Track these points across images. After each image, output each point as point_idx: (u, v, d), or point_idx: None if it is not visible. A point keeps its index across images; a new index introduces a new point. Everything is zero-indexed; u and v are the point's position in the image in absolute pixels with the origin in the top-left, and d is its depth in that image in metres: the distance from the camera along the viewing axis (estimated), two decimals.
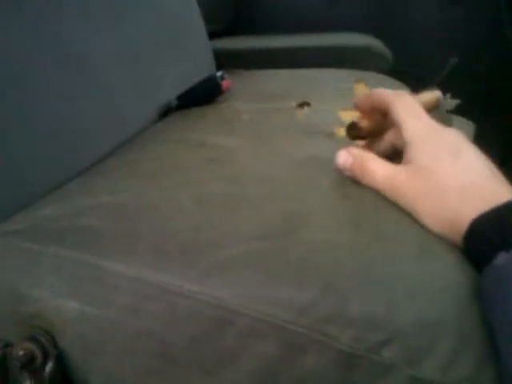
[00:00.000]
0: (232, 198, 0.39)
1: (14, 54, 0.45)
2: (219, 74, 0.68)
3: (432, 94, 0.44)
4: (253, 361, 0.28)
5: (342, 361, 0.27)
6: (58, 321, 0.32)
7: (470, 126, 0.62)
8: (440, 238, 0.33)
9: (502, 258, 0.27)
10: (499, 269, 0.27)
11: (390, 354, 0.27)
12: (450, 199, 0.32)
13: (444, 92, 0.47)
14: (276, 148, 0.48)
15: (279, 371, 0.28)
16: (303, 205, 0.37)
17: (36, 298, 0.33)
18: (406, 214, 0.34)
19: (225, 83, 0.67)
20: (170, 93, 0.70)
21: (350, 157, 0.39)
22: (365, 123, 0.41)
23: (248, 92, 0.71)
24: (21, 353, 0.31)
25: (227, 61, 0.93)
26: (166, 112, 0.69)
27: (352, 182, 0.39)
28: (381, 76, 0.82)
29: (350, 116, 0.49)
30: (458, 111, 0.57)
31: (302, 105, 0.61)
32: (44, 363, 0.31)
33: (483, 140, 0.46)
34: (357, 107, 0.43)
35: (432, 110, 0.42)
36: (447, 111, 0.56)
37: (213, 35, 0.95)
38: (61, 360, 0.32)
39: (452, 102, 0.56)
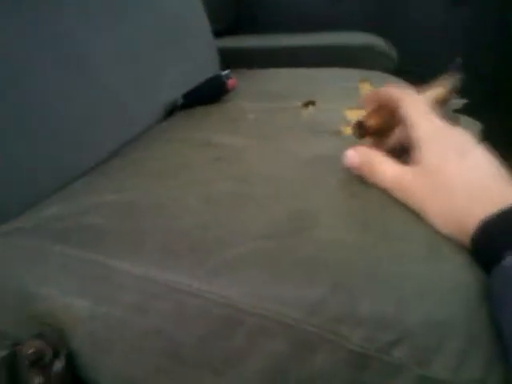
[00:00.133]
0: (239, 197, 0.39)
1: (14, 54, 0.45)
2: (225, 73, 0.68)
3: (442, 87, 0.44)
4: (262, 360, 0.28)
5: (352, 361, 0.27)
6: (66, 319, 0.32)
7: (477, 125, 0.62)
8: (448, 238, 0.33)
9: (510, 259, 0.28)
10: (508, 270, 0.28)
11: (399, 354, 0.27)
12: (458, 200, 0.32)
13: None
14: (282, 147, 0.48)
15: (288, 370, 0.28)
16: (310, 204, 0.37)
17: (44, 295, 0.33)
18: (414, 214, 0.34)
19: (230, 82, 0.67)
20: (173, 92, 0.70)
21: (357, 156, 0.39)
22: (372, 121, 0.41)
23: (253, 91, 0.70)
24: (30, 350, 0.31)
25: (230, 60, 0.93)
26: (171, 111, 0.69)
27: (359, 181, 0.39)
28: (386, 75, 0.82)
29: (356, 115, 0.49)
30: (465, 111, 0.57)
31: (307, 104, 0.61)
32: (53, 361, 0.31)
33: (489, 140, 0.45)
34: (364, 104, 0.43)
35: (444, 102, 0.42)
36: (454, 111, 0.56)
37: (215, 34, 0.95)
38: (70, 358, 0.32)
39: (459, 102, 0.56)
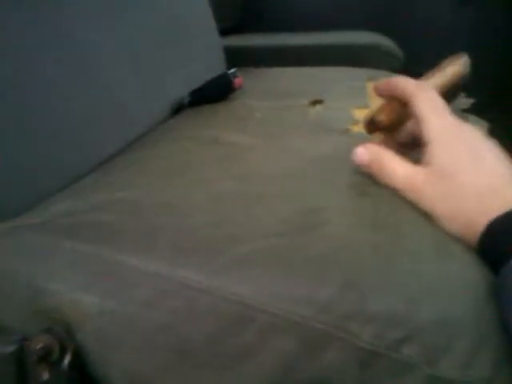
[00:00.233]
0: (247, 196, 0.39)
1: (14, 54, 0.45)
2: (231, 71, 0.68)
3: (456, 63, 0.43)
4: (272, 357, 0.28)
5: (361, 358, 0.27)
6: (75, 314, 0.32)
7: (483, 125, 0.62)
8: (457, 238, 0.33)
9: None
10: None
11: (409, 351, 0.27)
12: (469, 202, 0.32)
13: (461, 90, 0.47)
14: (290, 145, 0.48)
15: (298, 367, 0.28)
16: (320, 202, 0.37)
17: (53, 291, 0.33)
18: (424, 214, 0.34)
19: (237, 81, 0.67)
20: (179, 91, 0.70)
21: (367, 153, 0.38)
22: (383, 116, 0.40)
23: (260, 90, 0.70)
24: (38, 346, 0.31)
25: (236, 59, 0.93)
26: (178, 109, 0.69)
27: (369, 179, 0.38)
28: (392, 75, 0.82)
29: (364, 114, 0.49)
30: (472, 110, 0.57)
31: (314, 103, 0.61)
32: (61, 357, 0.31)
33: (496, 139, 0.45)
34: (377, 92, 0.42)
35: (459, 79, 0.42)
36: (462, 110, 0.56)
37: (220, 33, 0.95)
38: (78, 353, 0.32)
39: (466, 102, 0.56)
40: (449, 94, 0.42)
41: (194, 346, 0.30)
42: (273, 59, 1.00)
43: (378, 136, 0.43)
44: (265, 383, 0.29)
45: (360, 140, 0.43)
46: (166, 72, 0.70)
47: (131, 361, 0.31)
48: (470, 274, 0.30)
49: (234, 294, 0.29)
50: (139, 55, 0.65)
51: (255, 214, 0.36)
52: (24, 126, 0.45)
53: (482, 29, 1.34)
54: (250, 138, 0.51)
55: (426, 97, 0.37)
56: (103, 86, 0.56)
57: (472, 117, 0.58)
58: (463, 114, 0.56)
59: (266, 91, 0.69)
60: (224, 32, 0.99)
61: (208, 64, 0.84)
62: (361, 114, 0.53)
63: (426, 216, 0.34)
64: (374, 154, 0.38)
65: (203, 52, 0.84)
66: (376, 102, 0.43)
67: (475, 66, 0.45)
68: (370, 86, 0.69)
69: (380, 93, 0.42)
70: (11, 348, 0.32)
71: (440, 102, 0.37)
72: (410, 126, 0.41)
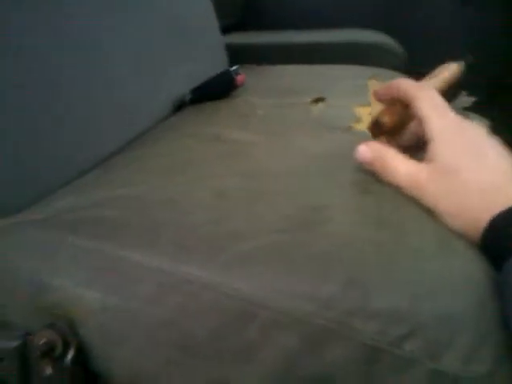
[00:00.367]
0: (249, 193, 0.39)
1: (14, 54, 0.45)
2: (234, 68, 0.68)
3: (450, 69, 0.44)
4: (274, 353, 0.28)
5: (364, 354, 0.27)
6: (78, 310, 0.32)
7: (484, 123, 0.62)
8: (459, 234, 0.33)
9: None
10: None
11: (411, 347, 0.27)
12: (472, 198, 0.32)
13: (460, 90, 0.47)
14: (293, 143, 0.48)
15: (301, 364, 0.28)
16: (323, 199, 0.37)
17: (56, 286, 0.33)
18: (426, 210, 0.34)
19: (239, 78, 0.67)
20: (181, 88, 0.70)
21: (369, 151, 0.39)
22: (386, 118, 0.40)
23: (262, 87, 0.71)
24: (41, 341, 0.31)
25: (238, 56, 0.93)
26: (179, 106, 0.69)
27: (371, 177, 0.38)
28: (395, 73, 0.82)
29: (366, 112, 0.49)
30: (474, 109, 0.57)
31: (316, 100, 0.61)
32: (64, 352, 0.31)
33: (497, 137, 0.46)
34: (376, 97, 0.42)
35: (455, 82, 0.42)
36: (463, 109, 0.56)
37: (222, 30, 0.95)
38: (81, 349, 0.32)
39: (467, 100, 0.56)
40: (449, 94, 0.43)
41: (197, 341, 0.30)
42: (275, 57, 1.00)
43: (382, 139, 0.43)
44: (267, 379, 0.29)
45: (362, 138, 0.43)
46: (167, 69, 0.70)
47: (134, 356, 0.32)
48: (472, 270, 0.31)
49: (236, 290, 0.29)
50: (140, 53, 0.65)
51: (258, 211, 0.36)
52: (25, 124, 0.44)
53: (482, 28, 1.34)
54: (253, 135, 0.51)
55: (426, 96, 0.38)
56: (104, 83, 0.56)
57: (473, 115, 0.58)
58: (464, 112, 0.56)
59: (268, 89, 0.69)
60: (225, 29, 0.99)
61: (210, 61, 0.84)
62: (363, 112, 0.53)
63: (429, 213, 0.34)
64: (376, 152, 0.38)
65: (205, 49, 0.84)
66: (377, 102, 0.44)
67: (476, 65, 0.45)
68: (372, 83, 0.69)
69: (380, 98, 0.42)
70: (15, 343, 0.32)
71: (441, 101, 0.37)
72: (413, 127, 0.41)
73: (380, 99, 0.42)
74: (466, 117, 0.37)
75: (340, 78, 0.73)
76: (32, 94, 0.46)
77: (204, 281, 0.30)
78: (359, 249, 0.31)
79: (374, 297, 0.28)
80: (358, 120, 0.50)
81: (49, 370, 0.32)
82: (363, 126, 0.46)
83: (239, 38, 1.07)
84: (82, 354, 0.32)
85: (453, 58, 0.46)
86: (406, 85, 0.40)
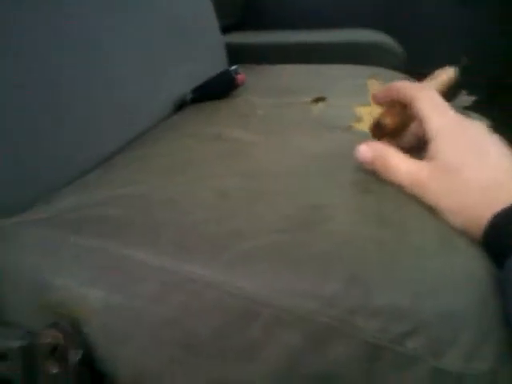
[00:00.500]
0: (250, 192, 0.39)
1: (15, 54, 0.45)
2: (234, 68, 0.68)
3: (447, 72, 0.44)
4: (277, 351, 0.29)
5: (366, 352, 0.27)
6: (81, 309, 0.32)
7: (484, 122, 0.62)
8: (461, 232, 0.33)
9: None
10: None
11: (414, 345, 0.27)
12: (473, 196, 0.32)
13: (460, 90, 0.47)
14: (293, 142, 0.48)
15: (304, 362, 0.28)
16: (324, 199, 0.37)
17: (59, 285, 0.33)
18: (428, 209, 0.35)
19: (239, 77, 0.67)
20: (181, 88, 0.70)
21: (370, 150, 0.39)
22: (388, 120, 0.41)
23: (262, 87, 0.71)
24: (46, 341, 0.32)
25: (237, 56, 0.93)
26: (180, 106, 0.69)
27: (372, 176, 0.39)
28: (395, 73, 0.82)
29: (367, 112, 0.49)
30: (474, 108, 0.57)
31: (317, 100, 0.61)
32: (69, 351, 0.31)
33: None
34: (375, 100, 0.43)
35: (452, 86, 0.43)
36: (463, 108, 0.56)
37: (221, 30, 0.95)
38: (85, 348, 0.32)
39: (468, 99, 0.56)
40: (448, 95, 0.43)
41: (200, 340, 0.30)
42: (274, 56, 1.00)
43: (384, 140, 0.43)
44: (270, 377, 0.29)
45: (363, 137, 0.43)
46: (167, 69, 0.70)
47: (138, 355, 0.32)
48: (474, 267, 0.31)
49: (239, 289, 0.30)
50: (141, 52, 0.65)
51: (258, 211, 0.36)
52: (25, 124, 0.45)
53: (482, 28, 1.35)
54: (253, 134, 0.51)
55: (426, 96, 0.38)
56: (104, 83, 0.57)
57: (473, 114, 0.59)
58: (465, 111, 0.56)
59: (268, 88, 0.69)
60: (225, 29, 0.99)
61: (210, 61, 0.84)
62: (364, 112, 0.53)
63: (430, 211, 0.34)
64: (377, 151, 0.38)
65: (205, 49, 0.84)
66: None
67: (475, 65, 0.45)
68: (372, 83, 0.69)
69: (378, 101, 0.43)
70: (19, 342, 0.32)
71: (441, 101, 0.38)
72: (413, 128, 0.42)
73: (379, 102, 0.43)
74: (467, 116, 0.38)
75: (340, 78, 0.73)
76: (32, 93, 0.46)
77: (207, 279, 0.30)
78: (361, 247, 0.31)
79: (376, 295, 0.28)
80: (359, 119, 0.50)
81: (53, 369, 0.32)
82: (363, 126, 0.47)
83: (239, 38, 1.07)
84: (87, 353, 0.32)
85: (452, 58, 0.46)
86: (405, 86, 0.40)
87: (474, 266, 0.31)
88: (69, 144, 0.49)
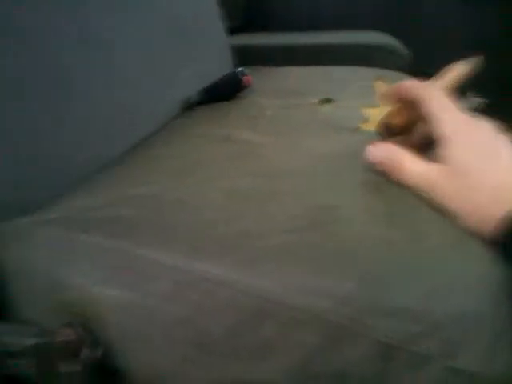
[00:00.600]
0: (260, 193, 0.39)
1: (16, 53, 0.45)
2: (240, 69, 0.68)
3: (459, 68, 0.44)
4: (291, 350, 0.29)
5: (380, 351, 0.27)
6: (94, 308, 0.33)
7: (493, 124, 0.62)
8: (472, 233, 0.33)
9: None
10: None
11: (427, 345, 0.27)
12: (485, 196, 0.32)
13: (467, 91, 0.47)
14: (302, 143, 0.49)
15: (317, 360, 0.28)
16: (334, 199, 0.37)
17: (73, 285, 0.34)
18: (438, 210, 0.35)
19: (246, 79, 0.67)
20: (187, 90, 0.70)
21: (379, 151, 0.39)
22: (396, 120, 0.41)
23: (269, 88, 0.71)
24: (60, 340, 0.32)
25: (243, 58, 0.94)
26: (187, 108, 0.69)
27: (381, 177, 0.39)
28: (400, 74, 0.82)
29: (375, 113, 0.49)
30: (482, 110, 0.57)
31: (324, 101, 0.61)
32: (83, 350, 0.32)
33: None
34: (384, 100, 0.43)
35: (464, 81, 0.43)
36: (471, 110, 0.56)
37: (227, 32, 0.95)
38: (99, 347, 0.32)
39: (475, 101, 0.56)
40: (457, 92, 0.43)
41: (213, 339, 0.31)
42: (279, 58, 1.00)
43: (392, 140, 0.43)
44: (283, 376, 0.29)
45: (371, 138, 0.43)
46: (174, 71, 0.70)
47: (151, 354, 0.32)
48: (486, 268, 0.31)
49: (252, 287, 0.30)
50: (147, 54, 0.65)
51: (269, 211, 0.36)
52: (25, 124, 0.44)
53: (486, 28, 1.35)
54: (262, 136, 0.51)
55: (436, 97, 0.38)
56: (110, 84, 0.57)
57: (480, 116, 0.59)
58: (473, 113, 0.56)
59: (275, 90, 0.70)
60: (231, 31, 0.99)
61: (216, 62, 0.84)
62: (372, 113, 0.53)
63: (441, 212, 0.34)
64: (386, 153, 0.39)
65: (211, 50, 0.85)
66: (384, 101, 0.44)
67: (481, 65, 0.46)
68: (378, 85, 0.69)
69: (388, 100, 0.43)
70: (33, 341, 0.33)
71: (450, 101, 0.38)
72: (421, 127, 0.42)
73: (388, 102, 0.43)
74: (475, 116, 0.38)
75: (346, 80, 0.73)
76: (32, 94, 0.46)
77: (220, 278, 0.31)
78: (372, 247, 0.31)
79: (389, 295, 0.28)
80: (367, 121, 0.51)
81: (67, 368, 0.32)
82: (371, 127, 0.47)
83: (244, 40, 1.07)
84: (101, 352, 0.32)
85: (455, 58, 0.46)
86: (414, 86, 0.40)
87: (486, 266, 0.31)
88: (76, 146, 0.49)
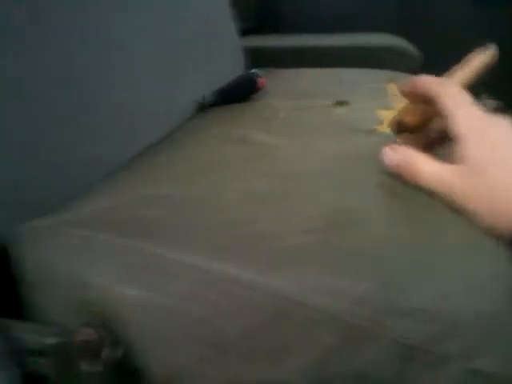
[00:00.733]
0: (276, 194, 0.39)
1: (15, 54, 0.45)
2: (254, 71, 0.68)
3: (481, 56, 0.44)
4: (307, 351, 0.29)
5: (399, 352, 0.28)
6: (114, 307, 0.33)
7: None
8: (489, 233, 0.33)
9: None
10: None
11: (446, 345, 0.27)
12: (502, 195, 0.32)
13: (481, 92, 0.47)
14: (316, 145, 0.49)
15: (335, 361, 0.29)
16: (350, 200, 0.37)
17: (93, 285, 0.34)
18: (455, 211, 0.35)
19: (260, 81, 0.68)
20: (200, 91, 0.70)
21: (395, 154, 0.39)
22: (409, 118, 0.41)
23: (282, 90, 0.71)
24: (80, 339, 0.32)
25: (254, 59, 0.94)
26: (200, 109, 0.70)
27: (397, 178, 0.39)
28: (412, 76, 0.82)
29: (389, 115, 0.49)
30: (497, 111, 0.57)
31: (339, 103, 0.61)
32: (102, 349, 0.32)
33: None
34: (401, 94, 0.43)
35: (487, 68, 0.42)
36: (490, 110, 0.56)
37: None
38: (119, 346, 0.32)
39: (490, 103, 0.56)
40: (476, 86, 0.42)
41: (229, 339, 0.31)
42: (290, 60, 1.00)
43: (405, 136, 0.43)
44: (300, 376, 0.30)
45: (386, 140, 0.43)
46: (187, 72, 0.70)
47: (169, 353, 0.32)
48: (502, 268, 0.31)
49: (269, 288, 0.30)
50: (161, 56, 0.65)
51: (285, 212, 0.36)
52: (25, 124, 0.44)
53: (498, 30, 1.34)
54: (276, 137, 0.52)
55: (452, 93, 0.38)
56: (124, 87, 0.57)
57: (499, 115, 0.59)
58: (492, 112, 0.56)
59: (288, 92, 0.70)
60: (242, 33, 0.99)
61: (228, 65, 0.85)
62: (387, 115, 0.53)
63: (457, 213, 0.34)
64: (402, 155, 0.39)
65: (224, 52, 0.85)
66: (399, 103, 0.44)
67: (497, 65, 0.45)
68: (391, 87, 0.69)
69: (405, 94, 0.42)
70: (54, 340, 0.33)
71: (467, 98, 0.37)
72: (436, 123, 0.41)
73: (406, 95, 0.42)
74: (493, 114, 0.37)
75: (359, 82, 0.73)
76: (32, 94, 0.46)
77: (238, 278, 0.31)
78: (388, 248, 0.32)
79: (408, 295, 0.29)
80: (382, 123, 0.51)
81: (88, 367, 0.32)
82: (386, 128, 0.47)
83: (256, 42, 1.08)
84: (121, 352, 0.32)
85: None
86: (429, 81, 0.40)
87: (502, 266, 0.31)
88: (69, 144, 0.49)
